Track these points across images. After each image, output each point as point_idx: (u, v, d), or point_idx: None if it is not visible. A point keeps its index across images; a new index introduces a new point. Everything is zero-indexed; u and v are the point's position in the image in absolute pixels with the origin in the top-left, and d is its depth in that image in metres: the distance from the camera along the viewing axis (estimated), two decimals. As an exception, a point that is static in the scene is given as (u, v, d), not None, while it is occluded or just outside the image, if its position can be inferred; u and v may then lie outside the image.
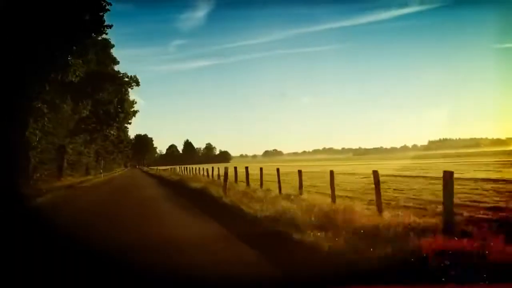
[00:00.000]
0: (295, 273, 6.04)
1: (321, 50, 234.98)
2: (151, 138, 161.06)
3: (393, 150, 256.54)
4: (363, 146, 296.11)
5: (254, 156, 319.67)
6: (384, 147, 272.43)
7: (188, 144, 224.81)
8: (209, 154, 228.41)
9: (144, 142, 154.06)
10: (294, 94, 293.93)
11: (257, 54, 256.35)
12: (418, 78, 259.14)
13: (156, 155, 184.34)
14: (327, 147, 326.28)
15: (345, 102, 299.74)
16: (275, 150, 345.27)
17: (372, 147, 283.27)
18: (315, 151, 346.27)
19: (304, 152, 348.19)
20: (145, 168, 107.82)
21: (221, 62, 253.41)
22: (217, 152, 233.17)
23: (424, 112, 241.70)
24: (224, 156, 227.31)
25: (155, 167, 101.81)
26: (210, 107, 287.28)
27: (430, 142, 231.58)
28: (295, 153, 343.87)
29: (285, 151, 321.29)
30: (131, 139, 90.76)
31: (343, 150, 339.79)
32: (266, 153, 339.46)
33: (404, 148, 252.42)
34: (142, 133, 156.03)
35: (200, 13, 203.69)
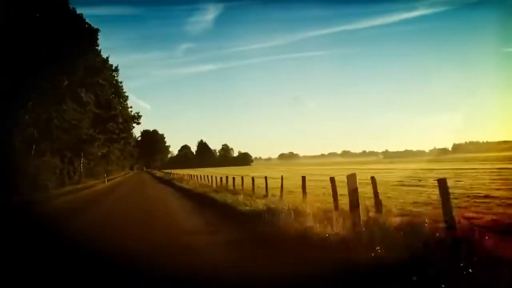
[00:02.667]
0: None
1: (330, 54, 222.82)
2: (163, 135, 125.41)
3: (419, 153, 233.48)
4: (389, 149, 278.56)
5: (269, 159, 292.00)
6: (410, 149, 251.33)
7: (202, 145, 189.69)
8: (226, 156, 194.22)
9: (153, 139, 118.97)
10: (304, 97, 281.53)
11: (265, 58, 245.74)
12: (431, 80, 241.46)
13: (168, 154, 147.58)
14: (345, 150, 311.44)
15: (358, 105, 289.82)
16: (291, 153, 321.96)
17: (396, 150, 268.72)
18: (332, 154, 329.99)
19: (322, 155, 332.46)
20: (158, 173, 71.36)
21: (228, 65, 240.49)
22: (235, 154, 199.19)
23: (443, 115, 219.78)
24: (244, 159, 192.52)
25: (169, 171, 67.91)
26: (218, 110, 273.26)
27: (456, 145, 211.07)
28: (313, 156, 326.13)
29: (301, 154, 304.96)
30: (133, 116, 52.81)
31: (364, 153, 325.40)
32: (282, 156, 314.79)
33: (434, 151, 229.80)
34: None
35: (208, 17, 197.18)
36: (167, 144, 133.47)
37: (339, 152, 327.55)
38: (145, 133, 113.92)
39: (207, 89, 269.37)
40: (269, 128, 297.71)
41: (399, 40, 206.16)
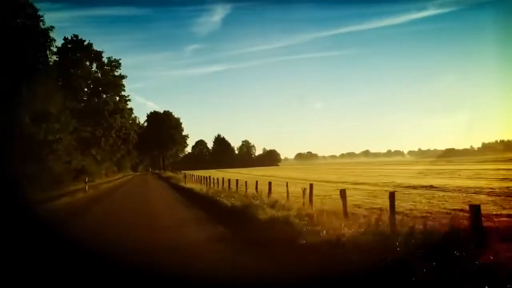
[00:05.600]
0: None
1: (341, 54, 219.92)
2: (179, 120, 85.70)
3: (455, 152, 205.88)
4: (422, 148, 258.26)
5: (285, 159, 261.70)
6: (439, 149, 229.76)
7: (220, 141, 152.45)
8: (249, 154, 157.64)
9: (165, 125, 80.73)
10: (317, 97, 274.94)
11: (274, 59, 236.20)
12: (446, 78, 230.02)
13: (183, 147, 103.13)
14: (365, 149, 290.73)
15: (373, 105, 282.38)
16: (309, 152, 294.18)
17: (427, 149, 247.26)
18: (350, 154, 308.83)
19: (342, 155, 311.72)
20: (193, 185, 26.89)
21: (236, 66, 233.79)
22: (258, 152, 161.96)
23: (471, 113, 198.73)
24: (272, 157, 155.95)
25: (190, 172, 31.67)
26: (227, 111, 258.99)
27: (484, 144, 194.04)
28: (332, 156, 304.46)
29: (320, 154, 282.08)
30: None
31: (389, 153, 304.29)
32: (300, 155, 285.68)
33: (474, 150, 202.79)
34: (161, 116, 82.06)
35: (215, 18, 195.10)
36: (184, 132, 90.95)
37: (357, 152, 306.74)
38: (153, 116, 76.99)
39: (216, 90, 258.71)
40: (281, 128, 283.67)
41: (410, 39, 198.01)
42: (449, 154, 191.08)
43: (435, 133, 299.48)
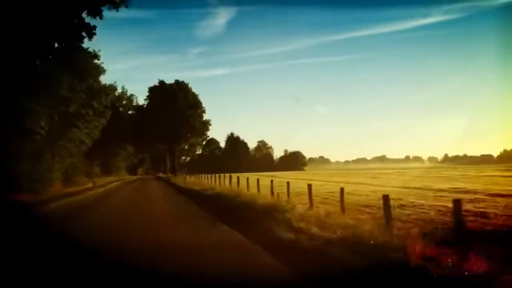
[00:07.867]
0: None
1: (344, 59, 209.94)
2: (197, 96, 55.53)
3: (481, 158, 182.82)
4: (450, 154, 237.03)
5: None
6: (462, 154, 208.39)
7: (234, 140, 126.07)
8: (269, 156, 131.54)
9: (177, 100, 51.66)
10: (324, 100, 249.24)
11: (278, 63, 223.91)
12: (450, 85, 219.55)
13: (203, 138, 67.68)
14: (381, 155, 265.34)
15: (384, 110, 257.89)
16: (321, 157, 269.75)
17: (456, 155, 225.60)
18: (362, 160, 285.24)
19: (356, 160, 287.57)
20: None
21: (241, 70, 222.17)
22: (274, 153, 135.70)
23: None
24: (296, 160, 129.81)
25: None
26: (232, 113, 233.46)
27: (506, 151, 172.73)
28: (346, 162, 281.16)
29: (332, 159, 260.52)
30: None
31: (407, 159, 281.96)
32: (311, 160, 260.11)
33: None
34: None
35: (220, 21, 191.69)
36: (205, 117, 60.37)
37: (368, 157, 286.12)
38: (159, 89, 49.28)
39: (220, 93, 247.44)
40: (289, 132, 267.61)
41: (415, 44, 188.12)
42: (483, 160, 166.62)
43: (461, 138, 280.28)
